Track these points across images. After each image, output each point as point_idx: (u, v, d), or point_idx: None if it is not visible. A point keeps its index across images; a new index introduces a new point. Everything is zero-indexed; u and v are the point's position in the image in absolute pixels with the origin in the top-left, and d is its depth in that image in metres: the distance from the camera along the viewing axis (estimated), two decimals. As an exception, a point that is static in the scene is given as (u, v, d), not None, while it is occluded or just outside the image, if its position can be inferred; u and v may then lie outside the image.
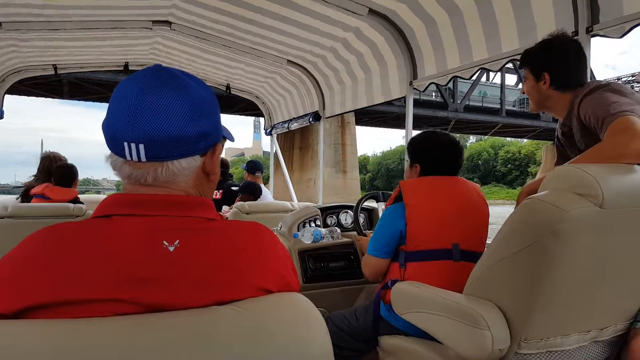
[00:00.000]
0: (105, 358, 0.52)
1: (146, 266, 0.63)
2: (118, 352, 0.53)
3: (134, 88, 0.70)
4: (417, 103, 26.90)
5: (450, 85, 25.46)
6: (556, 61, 1.55)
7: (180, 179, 0.74)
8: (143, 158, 0.70)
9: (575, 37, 1.97)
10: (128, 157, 0.70)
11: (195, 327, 0.58)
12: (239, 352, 0.58)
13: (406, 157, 2.05)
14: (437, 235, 1.69)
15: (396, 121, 30.06)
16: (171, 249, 0.65)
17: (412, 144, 1.95)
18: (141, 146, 0.69)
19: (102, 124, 0.73)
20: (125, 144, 0.69)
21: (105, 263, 0.61)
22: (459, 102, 28.23)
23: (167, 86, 0.71)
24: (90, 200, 4.26)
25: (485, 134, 38.82)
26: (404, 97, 3.21)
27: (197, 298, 0.64)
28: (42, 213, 2.58)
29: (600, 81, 1.47)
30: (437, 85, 2.95)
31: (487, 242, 1.82)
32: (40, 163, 3.51)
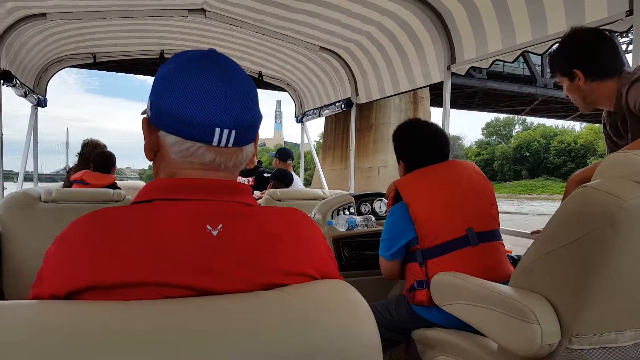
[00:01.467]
0: (156, 339, 0.52)
1: (191, 250, 0.62)
2: (170, 333, 0.53)
3: (219, 73, 0.70)
4: (500, 77, 23.39)
5: (537, 59, 21.94)
6: (580, 54, 1.49)
7: (245, 163, 0.77)
8: (230, 144, 0.71)
9: (630, 17, 1.85)
10: (215, 143, 0.70)
11: (245, 312, 0.58)
12: (287, 337, 0.57)
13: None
14: (449, 224, 1.64)
15: (469, 100, 26.17)
16: (214, 233, 0.65)
17: (393, 139, 1.87)
18: (233, 132, 0.70)
19: (172, 110, 0.68)
20: (218, 129, 0.69)
21: (150, 247, 0.61)
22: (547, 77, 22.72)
23: (242, 71, 0.74)
24: (128, 186, 4.38)
25: (565, 118, 34.63)
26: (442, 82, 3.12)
27: (241, 283, 0.63)
28: (84, 198, 2.67)
29: None
30: (525, 55, 2.66)
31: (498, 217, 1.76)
32: (81, 150, 3.64)
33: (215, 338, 0.54)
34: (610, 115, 1.52)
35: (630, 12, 1.87)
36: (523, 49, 2.45)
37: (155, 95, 0.72)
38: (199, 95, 0.68)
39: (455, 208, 1.65)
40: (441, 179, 1.72)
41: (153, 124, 0.73)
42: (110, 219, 0.64)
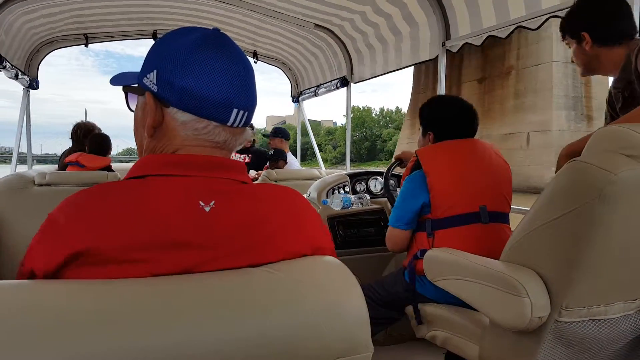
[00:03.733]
0: (141, 318, 0.52)
1: (183, 226, 0.62)
2: (153, 312, 0.53)
3: (233, 54, 0.72)
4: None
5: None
6: (591, 16, 1.46)
7: (244, 142, 0.79)
8: (242, 124, 0.74)
9: None
10: (230, 123, 0.72)
11: (230, 289, 0.58)
12: (273, 314, 0.57)
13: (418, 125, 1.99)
14: (463, 199, 1.65)
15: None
16: (207, 209, 0.65)
17: (423, 110, 1.89)
18: (246, 113, 0.73)
19: (192, 87, 0.68)
20: (235, 110, 0.71)
21: (142, 222, 0.61)
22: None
23: (244, 53, 0.76)
24: (123, 169, 4.36)
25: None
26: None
27: (231, 259, 0.64)
28: (79, 181, 2.65)
29: None
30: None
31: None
32: (72, 133, 3.57)
33: (201, 316, 0.54)
34: (615, 83, 1.50)
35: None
36: (517, 24, 2.42)
37: (167, 70, 0.69)
38: (221, 76, 0.69)
39: (471, 184, 1.67)
40: (463, 154, 1.73)
41: (161, 99, 0.71)
42: (100, 195, 0.64)
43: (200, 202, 0.65)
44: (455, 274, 1.32)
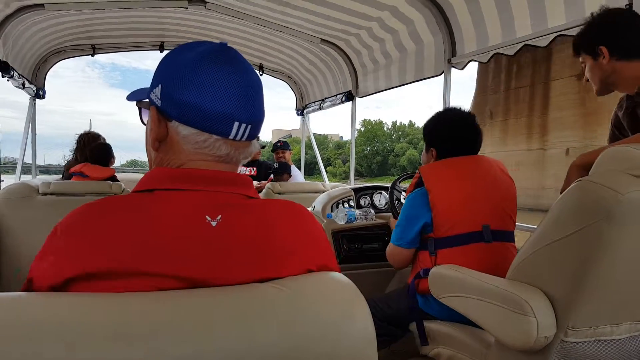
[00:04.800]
0: (146, 332, 0.52)
1: (189, 241, 0.62)
2: (159, 326, 0.53)
3: (236, 67, 0.72)
4: None
5: None
6: (609, 30, 1.42)
7: (250, 156, 0.79)
8: (245, 137, 0.73)
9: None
10: (232, 136, 0.71)
11: (236, 304, 0.58)
12: (279, 330, 0.57)
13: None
14: (466, 218, 1.64)
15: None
16: (213, 224, 0.64)
17: (426, 126, 1.87)
18: (249, 127, 0.72)
19: (193, 101, 0.68)
20: (237, 123, 0.70)
21: (147, 237, 0.61)
22: None
23: (251, 67, 0.76)
24: (127, 179, 4.37)
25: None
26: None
27: (238, 275, 0.63)
28: (82, 190, 2.66)
29: None
30: None
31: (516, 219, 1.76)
32: (78, 143, 3.59)
33: (207, 331, 0.54)
34: (630, 99, 1.45)
35: (630, 5, 1.86)
36: (524, 42, 2.44)
37: (170, 84, 0.71)
38: (222, 89, 0.69)
39: (475, 202, 1.65)
40: (466, 171, 1.72)
41: (163, 113, 0.72)
42: (109, 208, 0.64)
43: (207, 216, 0.65)
44: (461, 292, 1.31)
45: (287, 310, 0.59)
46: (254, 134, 0.74)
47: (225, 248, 0.64)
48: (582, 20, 1.52)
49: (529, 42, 2.41)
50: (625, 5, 1.87)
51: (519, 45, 2.47)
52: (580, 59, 1.53)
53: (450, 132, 1.80)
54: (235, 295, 0.60)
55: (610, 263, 1.00)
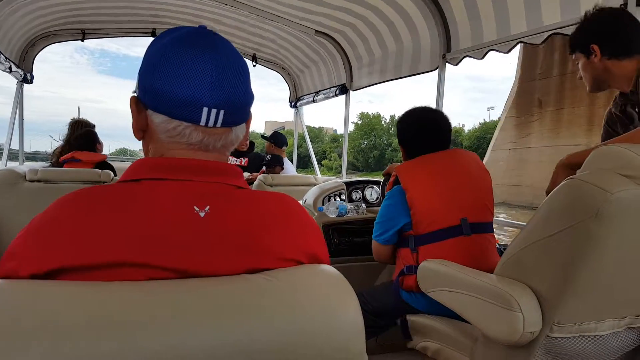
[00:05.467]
0: (135, 321, 0.51)
1: (177, 231, 0.62)
2: (148, 316, 0.52)
3: (208, 51, 0.68)
4: None
5: None
6: (601, 28, 1.46)
7: (235, 145, 0.75)
8: (219, 124, 0.69)
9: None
10: (203, 123, 0.68)
11: (227, 295, 0.58)
12: (268, 321, 0.57)
13: None
14: (444, 213, 1.66)
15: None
16: (202, 214, 0.64)
17: (397, 125, 1.90)
18: (222, 112, 0.68)
19: (160, 87, 0.67)
20: (205, 109, 0.67)
21: (135, 227, 0.60)
22: None
23: (233, 50, 0.72)
24: (121, 167, 4.34)
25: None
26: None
27: (227, 265, 0.63)
28: (70, 178, 2.63)
29: None
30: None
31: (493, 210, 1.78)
32: (70, 130, 3.54)
33: (195, 321, 0.54)
34: (623, 97, 1.48)
35: (625, 5, 1.87)
36: (518, 40, 2.45)
37: (144, 72, 0.70)
38: (187, 73, 0.66)
39: (451, 197, 1.67)
40: (441, 167, 1.73)
41: (141, 102, 0.71)
42: (95, 197, 0.63)
43: (195, 207, 0.64)
44: (449, 286, 1.32)
45: (276, 301, 0.59)
46: (231, 120, 0.71)
47: (214, 239, 0.63)
48: (577, 19, 1.54)
49: (524, 40, 2.42)
50: (620, 5, 1.88)
51: (514, 42, 2.48)
52: (574, 57, 1.55)
53: (417, 130, 1.82)
54: (225, 286, 0.60)
55: (597, 261, 1.01)
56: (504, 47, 2.56)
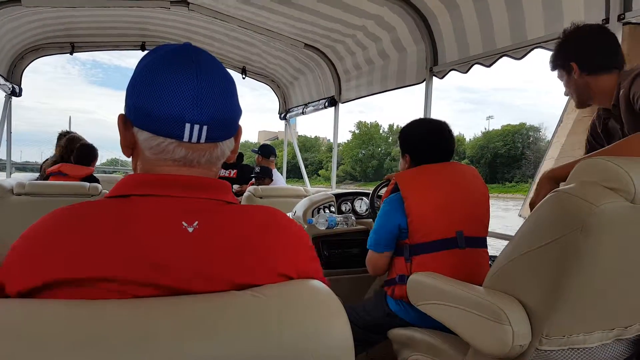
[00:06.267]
0: (121, 340, 0.51)
1: (165, 248, 0.61)
2: (134, 334, 0.52)
3: (191, 67, 0.68)
4: None
5: None
6: (578, 46, 1.49)
7: (221, 160, 0.75)
8: (203, 139, 0.69)
9: (606, 25, 1.89)
10: (186, 139, 0.68)
11: (213, 312, 0.57)
12: (256, 338, 0.56)
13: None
14: (440, 225, 1.66)
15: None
16: (190, 230, 0.63)
17: (402, 132, 1.91)
18: (205, 127, 0.68)
19: (144, 105, 0.68)
20: (188, 125, 0.67)
21: (123, 244, 0.60)
22: None
23: (218, 66, 0.72)
24: (107, 180, 4.30)
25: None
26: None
27: (215, 281, 0.63)
28: (58, 191, 2.61)
29: None
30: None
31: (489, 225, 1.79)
32: (62, 143, 3.52)
33: (182, 338, 0.53)
34: (606, 112, 1.50)
35: (606, 21, 1.92)
36: (502, 53, 2.49)
37: (130, 91, 0.70)
38: (169, 90, 0.66)
39: (449, 209, 1.67)
40: (441, 178, 1.74)
41: (128, 119, 0.72)
42: (81, 213, 0.63)
43: (183, 222, 0.64)
44: (438, 299, 1.32)
45: (264, 318, 0.58)
46: (215, 135, 0.70)
47: (202, 254, 0.63)
48: (559, 34, 1.57)
49: (508, 53, 2.46)
50: (602, 20, 1.92)
51: (497, 56, 2.53)
52: (558, 75, 1.58)
53: (425, 138, 1.83)
54: (213, 303, 0.59)
55: (584, 273, 1.01)
56: (488, 60, 2.61)
